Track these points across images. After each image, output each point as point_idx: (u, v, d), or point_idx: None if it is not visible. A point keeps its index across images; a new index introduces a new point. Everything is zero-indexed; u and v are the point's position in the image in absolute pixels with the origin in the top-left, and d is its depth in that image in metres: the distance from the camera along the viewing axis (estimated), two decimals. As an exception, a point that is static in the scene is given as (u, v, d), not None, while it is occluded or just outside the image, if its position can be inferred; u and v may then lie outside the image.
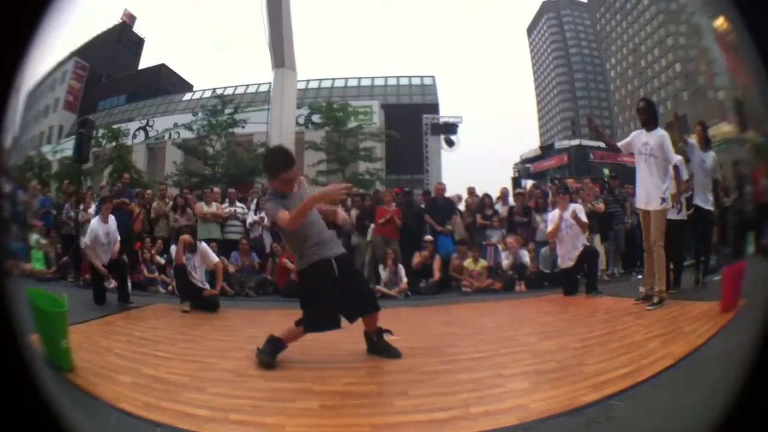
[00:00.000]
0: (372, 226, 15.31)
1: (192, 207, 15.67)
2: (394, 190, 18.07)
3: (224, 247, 14.76)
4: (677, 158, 9.67)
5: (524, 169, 37.99)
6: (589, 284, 11.85)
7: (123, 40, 67.12)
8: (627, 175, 13.06)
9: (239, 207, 15.97)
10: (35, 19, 2.21)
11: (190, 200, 16.15)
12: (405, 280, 13.80)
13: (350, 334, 6.97)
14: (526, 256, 14.20)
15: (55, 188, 28.20)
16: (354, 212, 15.88)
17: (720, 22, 1.98)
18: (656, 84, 64.18)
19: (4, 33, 2.02)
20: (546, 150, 41.72)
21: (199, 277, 11.46)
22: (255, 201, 15.96)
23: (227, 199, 16.12)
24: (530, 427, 4.08)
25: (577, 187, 15.84)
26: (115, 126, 40.01)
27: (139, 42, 69.80)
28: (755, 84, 2.03)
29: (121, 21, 67.60)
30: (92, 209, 15.19)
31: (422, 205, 16.64)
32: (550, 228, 12.53)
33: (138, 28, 70.79)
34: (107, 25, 68.47)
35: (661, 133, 9.79)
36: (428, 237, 15.13)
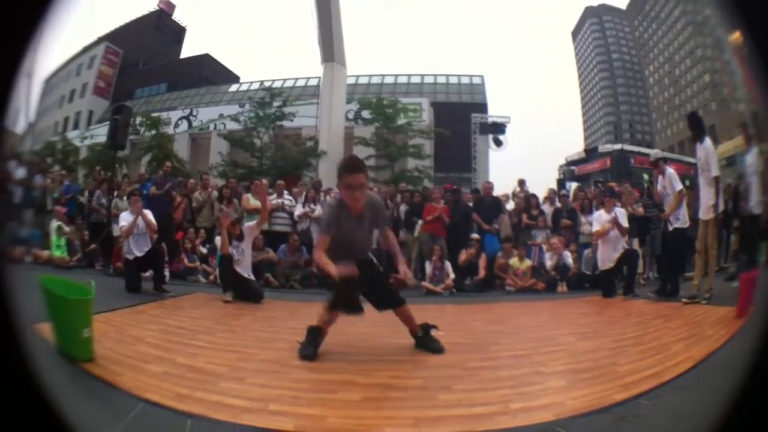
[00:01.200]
0: (420, 222, 15.45)
1: (239, 198, 15.59)
2: (445, 186, 18.14)
3: (271, 239, 14.64)
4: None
5: (569, 171, 38.26)
6: (626, 287, 12.06)
7: (162, 27, 67.59)
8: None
9: (287, 199, 16.01)
10: (44, 3, 2.15)
11: (237, 191, 16.25)
12: (451, 276, 13.86)
13: (395, 329, 7.07)
14: (569, 257, 14.33)
15: (83, 174, 28.31)
16: (403, 207, 16.20)
17: (735, 36, 2.01)
18: (689, 93, 64.53)
19: (9, 18, 1.98)
20: (590, 153, 42.26)
21: (245, 267, 11.32)
22: (304, 194, 16.06)
23: (275, 191, 16.12)
24: (565, 424, 4.10)
25: (619, 191, 15.95)
26: (154, 114, 39.77)
27: (180, 30, 70.05)
28: (761, 96, 2.08)
29: (157, 8, 68.25)
30: (126, 198, 15.02)
31: (470, 204, 16.74)
32: (596, 228, 12.71)
33: (180, 17, 70.74)
34: (142, 11, 69.00)
35: (706, 144, 10.42)
36: (475, 235, 15.25)
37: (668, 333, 7.72)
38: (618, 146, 43.44)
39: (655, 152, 12.50)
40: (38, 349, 4.74)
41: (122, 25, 66.16)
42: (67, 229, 15.02)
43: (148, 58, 63.77)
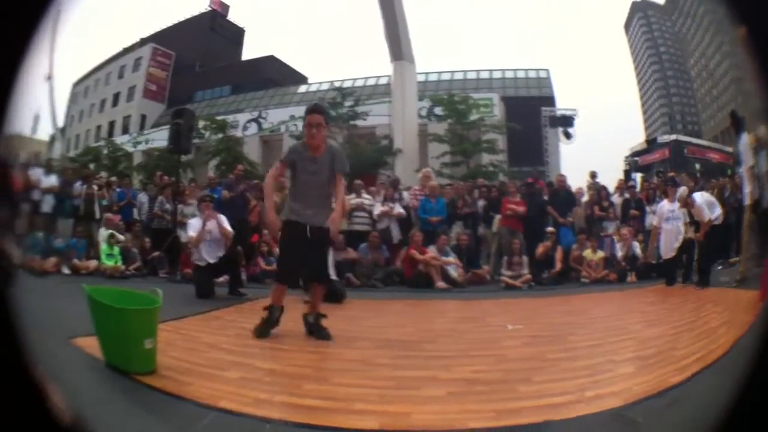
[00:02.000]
0: (497, 217, 15.77)
1: None
2: (528, 179, 18.47)
3: (351, 238, 14.81)
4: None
5: (633, 162, 38.32)
6: (685, 275, 12.70)
7: (217, 28, 66.09)
8: (712, 170, 13.74)
9: (366, 198, 16.10)
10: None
11: None
12: (527, 270, 14.45)
13: (477, 325, 7.73)
14: (637, 248, 14.75)
15: (139, 180, 28.42)
16: (480, 203, 16.52)
17: (741, 31, 2.15)
18: (721, 87, 64.61)
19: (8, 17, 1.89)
20: (651, 144, 42.82)
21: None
22: (382, 192, 16.24)
23: (353, 191, 15.95)
24: (629, 408, 4.25)
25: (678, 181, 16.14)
26: (219, 117, 39.57)
27: (238, 32, 68.40)
28: (760, 90, 2.21)
29: (209, 9, 66.62)
30: (194, 203, 14.94)
31: (545, 197, 17.08)
32: (654, 223, 13.55)
33: (237, 18, 69.52)
34: (191, 12, 67.40)
35: (743, 138, 10.98)
36: (550, 228, 15.60)
37: (715, 317, 8.32)
38: (673, 137, 44.75)
39: (682, 190, 13.19)
40: (75, 363, 5.40)
41: (170, 26, 65.52)
42: (121, 237, 14.81)
43: (204, 60, 62.97)
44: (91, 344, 5.49)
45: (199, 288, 11.00)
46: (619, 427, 4.12)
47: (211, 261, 11.11)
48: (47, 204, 15.16)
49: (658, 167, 33.87)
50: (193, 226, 11.44)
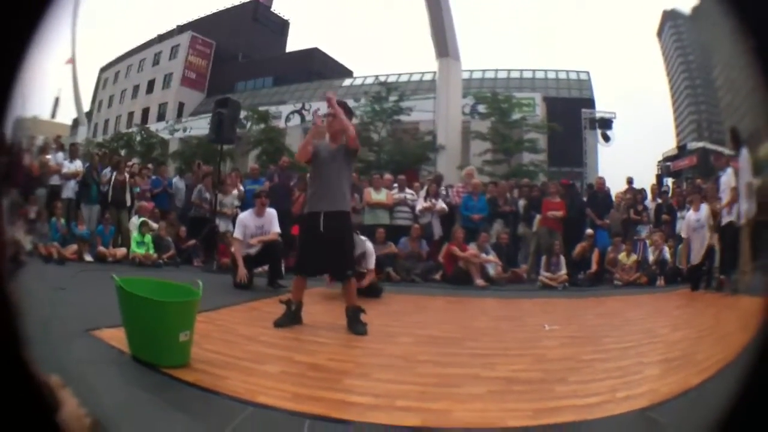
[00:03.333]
0: (538, 217, 15.93)
1: (360, 192, 15.47)
2: (561, 181, 18.51)
3: (392, 233, 14.82)
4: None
5: (665, 167, 38.26)
6: (708, 280, 12.91)
7: (261, 19, 65.08)
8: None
9: (409, 193, 16.21)
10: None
11: (358, 185, 15.71)
12: (564, 271, 14.53)
13: (516, 324, 8.06)
14: (667, 252, 14.91)
15: (175, 168, 27.59)
16: (521, 202, 16.71)
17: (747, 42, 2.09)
18: (740, 96, 64.41)
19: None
20: (681, 150, 42.59)
21: (363, 263, 10.73)
22: (425, 188, 16.34)
23: (396, 185, 16.35)
24: (654, 408, 4.42)
25: (706, 188, 16.07)
26: (262, 108, 39.25)
27: (283, 23, 67.39)
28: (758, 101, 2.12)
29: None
30: (235, 192, 15.35)
31: (584, 199, 17.54)
32: (683, 234, 13.79)
33: (282, 10, 68.61)
34: (232, 2, 66.09)
35: (743, 154, 11.16)
36: (589, 231, 15.73)
37: (732, 322, 8.34)
38: (700, 144, 44.15)
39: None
40: (95, 357, 5.37)
41: (209, 15, 64.58)
42: (154, 225, 14.79)
43: (247, 51, 61.87)
44: (113, 336, 5.58)
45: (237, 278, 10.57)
46: (644, 426, 4.30)
47: (251, 252, 10.95)
48: (69, 189, 15.42)
49: (687, 174, 34.11)
50: (249, 221, 11.13)
